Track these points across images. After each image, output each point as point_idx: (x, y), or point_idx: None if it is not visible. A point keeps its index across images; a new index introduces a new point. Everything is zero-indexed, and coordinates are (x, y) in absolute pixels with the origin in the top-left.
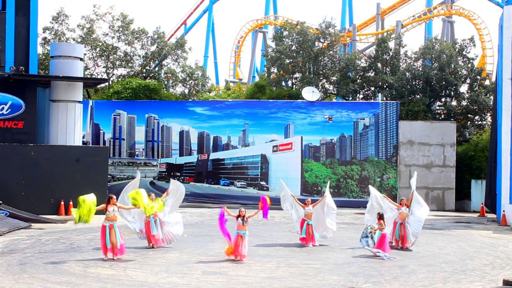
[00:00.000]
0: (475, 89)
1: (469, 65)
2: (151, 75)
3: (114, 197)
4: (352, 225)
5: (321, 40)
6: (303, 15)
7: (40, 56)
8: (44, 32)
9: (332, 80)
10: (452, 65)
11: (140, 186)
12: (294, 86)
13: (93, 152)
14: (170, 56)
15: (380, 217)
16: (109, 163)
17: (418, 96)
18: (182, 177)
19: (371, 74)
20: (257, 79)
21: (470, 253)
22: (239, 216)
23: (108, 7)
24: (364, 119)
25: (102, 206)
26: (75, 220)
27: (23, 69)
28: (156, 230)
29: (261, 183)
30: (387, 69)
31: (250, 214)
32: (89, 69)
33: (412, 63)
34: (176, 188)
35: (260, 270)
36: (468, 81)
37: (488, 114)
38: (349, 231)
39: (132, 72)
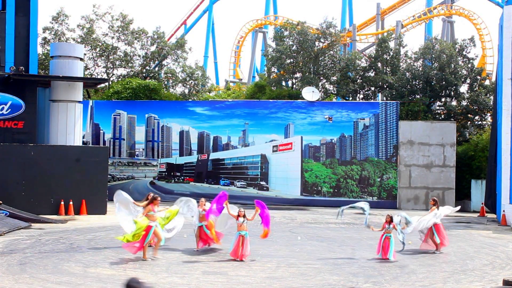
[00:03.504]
0: (475, 89)
1: (469, 65)
2: (151, 75)
3: (159, 198)
4: (352, 225)
5: (322, 40)
6: (303, 15)
7: (40, 56)
8: (44, 32)
9: (332, 80)
10: (452, 65)
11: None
12: (294, 86)
13: (93, 152)
14: (170, 56)
15: (391, 219)
16: (109, 163)
17: (418, 96)
18: (182, 177)
19: (371, 74)
20: (257, 79)
21: (470, 253)
22: (239, 216)
23: (107, 7)
24: (364, 119)
25: (144, 203)
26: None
27: (23, 69)
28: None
29: (261, 183)
30: (387, 69)
31: (250, 218)
32: (89, 69)
33: (412, 63)
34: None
35: (260, 270)
36: (468, 81)
37: (488, 114)
38: (349, 231)
39: (132, 72)
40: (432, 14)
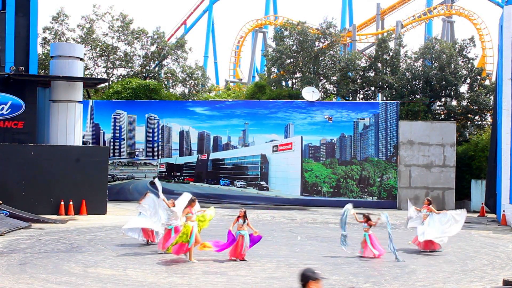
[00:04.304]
0: (475, 89)
1: (469, 65)
2: (151, 75)
3: (196, 199)
4: (352, 225)
5: (322, 40)
6: (303, 15)
7: (40, 56)
8: (44, 32)
9: (332, 80)
10: (452, 65)
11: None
12: (294, 86)
13: (93, 152)
14: (170, 56)
15: (367, 219)
16: (109, 163)
17: (418, 96)
18: (182, 177)
19: (371, 74)
20: (257, 79)
21: (470, 253)
22: (239, 217)
23: (107, 7)
24: (364, 119)
25: (187, 210)
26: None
27: (23, 69)
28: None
29: (261, 183)
30: (387, 69)
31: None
32: (89, 69)
33: (412, 63)
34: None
35: (260, 270)
36: (468, 81)
37: (488, 114)
38: (349, 231)
39: (132, 72)
40: (432, 14)
